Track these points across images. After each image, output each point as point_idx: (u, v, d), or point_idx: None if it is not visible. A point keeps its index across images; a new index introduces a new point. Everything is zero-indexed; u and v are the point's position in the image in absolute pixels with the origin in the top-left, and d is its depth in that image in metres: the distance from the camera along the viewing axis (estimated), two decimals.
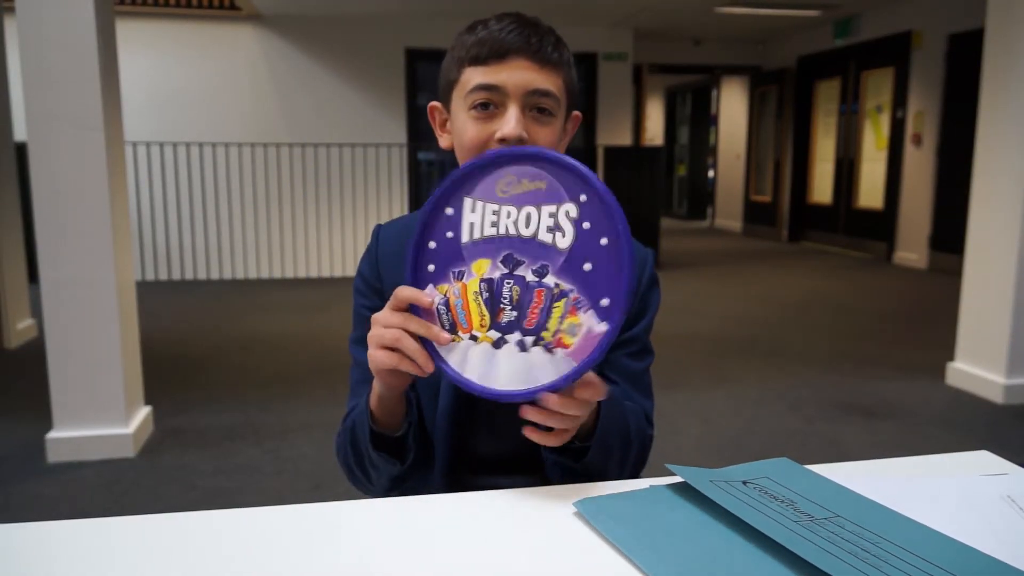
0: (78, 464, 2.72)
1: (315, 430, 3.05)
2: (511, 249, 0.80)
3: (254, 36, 6.87)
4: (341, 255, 6.95)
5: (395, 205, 7.03)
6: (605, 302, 0.76)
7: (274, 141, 6.83)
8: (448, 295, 0.81)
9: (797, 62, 9.01)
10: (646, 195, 6.91)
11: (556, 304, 0.77)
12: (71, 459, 2.74)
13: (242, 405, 3.36)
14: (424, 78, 7.22)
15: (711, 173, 11.95)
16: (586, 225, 0.77)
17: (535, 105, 0.93)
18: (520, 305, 0.79)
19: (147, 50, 6.62)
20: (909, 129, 7.26)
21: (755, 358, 4.13)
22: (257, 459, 2.79)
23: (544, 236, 0.78)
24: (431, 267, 0.82)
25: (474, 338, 0.80)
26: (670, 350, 4.18)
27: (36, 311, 4.67)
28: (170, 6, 6.60)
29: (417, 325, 0.80)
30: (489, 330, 0.80)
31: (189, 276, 6.79)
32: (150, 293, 5.90)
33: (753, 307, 5.50)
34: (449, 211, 0.82)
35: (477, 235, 0.81)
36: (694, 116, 12.82)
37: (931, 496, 0.78)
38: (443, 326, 0.81)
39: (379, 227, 1.07)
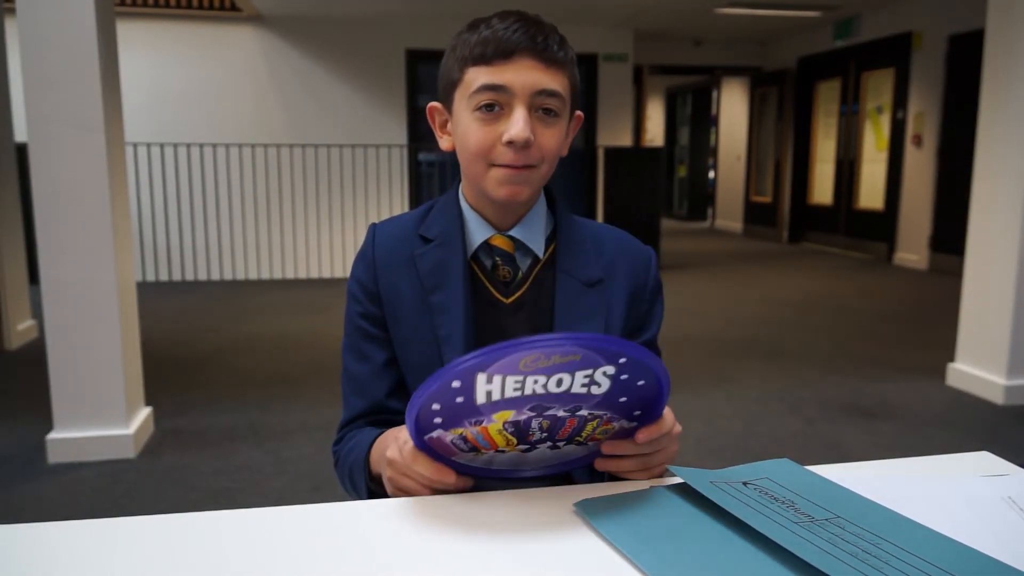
0: (78, 465, 2.72)
1: (315, 431, 3.05)
2: (539, 401, 0.72)
3: (254, 37, 6.87)
4: (341, 256, 6.95)
5: (395, 206, 7.03)
6: (637, 412, 0.78)
7: (274, 142, 6.83)
8: (465, 434, 0.75)
9: (797, 63, 9.01)
10: (646, 196, 6.91)
11: (590, 423, 0.77)
12: (71, 460, 2.74)
13: (242, 406, 3.36)
14: (425, 79, 7.23)
15: (711, 174, 11.95)
16: (624, 377, 0.73)
17: (541, 105, 0.90)
18: (551, 430, 0.77)
19: (147, 51, 6.62)
20: (909, 130, 7.26)
21: (755, 359, 4.13)
22: (257, 460, 2.79)
23: (578, 390, 0.72)
24: (438, 420, 0.73)
25: (501, 452, 0.80)
26: (671, 351, 4.18)
27: (37, 312, 4.67)
28: (171, 7, 6.61)
29: (440, 483, 0.79)
30: (517, 447, 0.79)
31: (189, 277, 6.79)
32: (150, 294, 5.90)
33: (753, 308, 5.50)
34: (455, 384, 0.69)
35: (496, 398, 0.71)
36: (694, 117, 12.82)
37: (932, 497, 0.78)
38: (460, 449, 0.79)
39: (375, 226, 1.01)
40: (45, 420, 2.82)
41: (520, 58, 0.89)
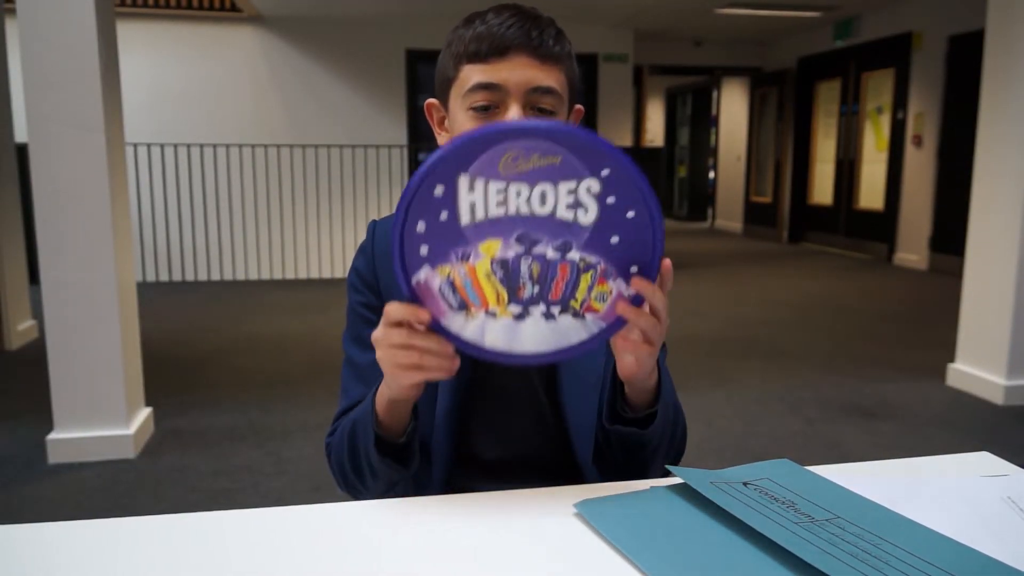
0: (79, 465, 2.72)
1: (316, 431, 3.05)
2: (526, 228, 0.72)
3: (255, 37, 6.87)
4: (342, 256, 6.95)
5: (395, 206, 7.02)
6: (634, 269, 0.74)
7: (275, 142, 6.83)
8: (452, 276, 0.74)
9: (797, 63, 9.01)
10: None
11: (583, 275, 0.74)
12: (72, 460, 2.74)
13: (242, 406, 3.36)
14: (425, 79, 7.23)
15: (711, 174, 11.95)
16: (610, 200, 0.71)
17: (536, 103, 0.89)
18: (542, 280, 0.74)
19: (148, 51, 6.63)
20: (909, 130, 7.26)
21: (756, 359, 4.13)
22: (257, 460, 2.79)
23: (564, 213, 0.72)
24: (424, 249, 0.73)
25: (491, 315, 0.75)
26: (671, 351, 4.18)
27: (37, 312, 4.67)
28: (171, 7, 6.61)
29: (424, 342, 0.75)
30: (509, 305, 0.74)
31: (190, 277, 6.79)
32: (150, 294, 5.90)
33: (753, 308, 5.50)
34: (439, 190, 0.72)
35: (481, 216, 0.72)
36: (694, 117, 12.82)
37: (931, 497, 0.78)
38: (450, 305, 0.75)
39: (374, 223, 1.03)
40: (45, 420, 2.82)
41: (514, 55, 0.87)
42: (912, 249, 7.32)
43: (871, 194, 7.95)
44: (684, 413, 1.03)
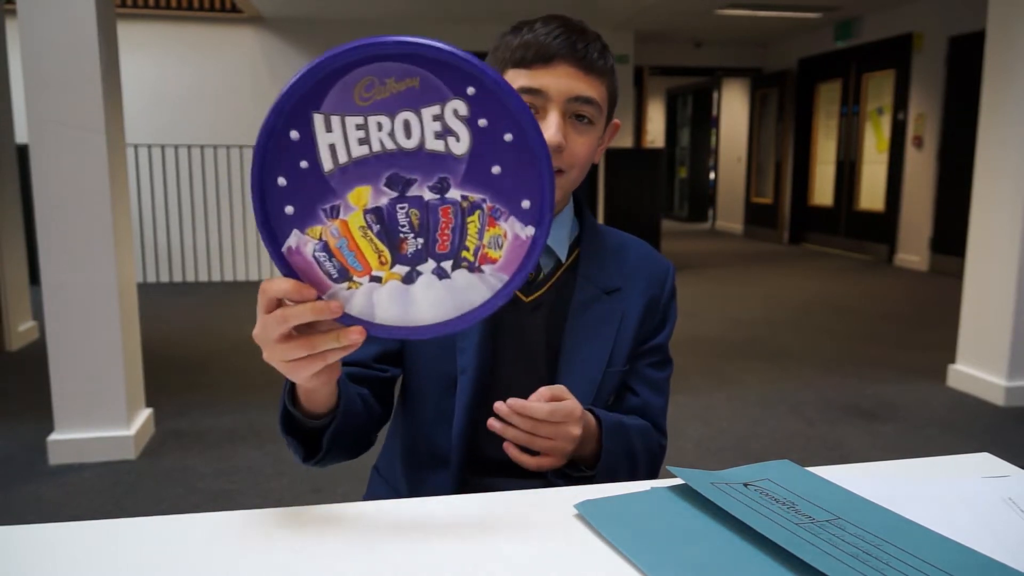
0: (79, 466, 2.72)
1: None
2: (394, 168, 0.64)
3: (255, 38, 6.88)
4: None
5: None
6: (526, 204, 0.66)
7: None
8: (325, 238, 0.65)
9: (798, 64, 9.01)
10: (647, 197, 6.91)
11: (470, 218, 0.66)
12: (72, 461, 2.74)
13: (243, 407, 3.36)
14: None
15: (712, 175, 11.96)
16: (482, 122, 0.63)
17: (576, 112, 0.91)
18: (425, 229, 0.66)
19: (148, 52, 6.63)
20: (910, 131, 7.26)
21: (756, 360, 4.13)
22: (258, 461, 2.79)
23: (433, 144, 0.64)
24: (289, 209, 0.65)
25: (376, 279, 0.67)
26: (672, 352, 4.18)
27: (38, 313, 4.67)
28: (171, 8, 6.61)
29: (300, 313, 0.65)
30: (393, 266, 0.67)
31: (190, 278, 6.80)
32: (151, 295, 5.90)
33: (754, 309, 5.50)
34: (294, 135, 0.63)
35: (344, 159, 0.64)
36: (695, 118, 12.83)
37: (932, 498, 0.78)
38: (328, 275, 0.66)
39: None
40: (46, 421, 2.82)
41: (559, 64, 0.89)
42: (913, 250, 7.32)
43: (872, 195, 7.95)
44: (665, 438, 1.05)
